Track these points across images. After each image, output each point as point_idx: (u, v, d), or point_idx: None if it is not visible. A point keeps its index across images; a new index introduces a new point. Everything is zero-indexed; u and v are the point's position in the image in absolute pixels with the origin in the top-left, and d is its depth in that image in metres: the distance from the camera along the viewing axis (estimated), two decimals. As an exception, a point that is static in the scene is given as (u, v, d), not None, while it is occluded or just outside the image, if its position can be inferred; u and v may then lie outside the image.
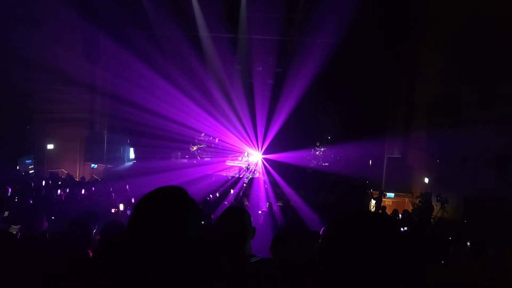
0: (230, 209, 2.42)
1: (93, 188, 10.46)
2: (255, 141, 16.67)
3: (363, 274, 1.11)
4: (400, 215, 10.19)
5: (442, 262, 4.65)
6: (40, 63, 12.14)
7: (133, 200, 8.66)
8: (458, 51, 10.34)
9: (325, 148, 16.25)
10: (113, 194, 9.68)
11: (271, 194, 12.93)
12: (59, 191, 9.11)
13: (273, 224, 7.60)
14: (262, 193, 12.75)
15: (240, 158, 16.51)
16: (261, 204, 10.94)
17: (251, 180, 14.74)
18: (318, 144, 16.27)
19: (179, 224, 1.23)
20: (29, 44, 11.80)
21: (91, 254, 2.97)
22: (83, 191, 9.61)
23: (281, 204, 11.08)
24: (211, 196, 10.94)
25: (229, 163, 16.43)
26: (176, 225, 1.23)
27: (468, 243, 5.12)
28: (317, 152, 16.29)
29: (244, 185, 14.11)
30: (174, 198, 1.30)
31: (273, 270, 2.21)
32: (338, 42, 13.14)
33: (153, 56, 14.49)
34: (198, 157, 16.93)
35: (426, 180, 12.31)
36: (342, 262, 1.13)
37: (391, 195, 13.49)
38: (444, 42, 11.39)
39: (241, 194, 11.85)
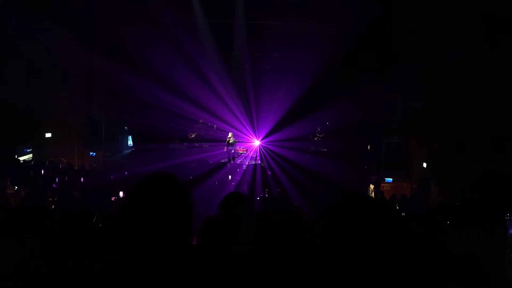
0: (229, 195, 2.42)
1: (92, 176, 10.47)
2: (253, 128, 16.65)
3: (363, 260, 1.11)
4: (398, 200, 10.25)
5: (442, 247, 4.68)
6: (37, 51, 11.99)
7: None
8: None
9: (324, 134, 16.21)
10: (112, 180, 9.71)
11: (269, 181, 12.97)
12: (57, 179, 9.12)
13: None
14: (260, 180, 12.78)
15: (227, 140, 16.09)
16: (260, 190, 11.00)
17: (250, 167, 14.76)
18: (319, 130, 16.20)
19: (169, 211, 1.24)
20: (24, 31, 11.63)
21: None
22: (82, 179, 9.62)
23: (279, 190, 11.13)
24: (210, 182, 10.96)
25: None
26: (166, 211, 1.23)
27: (466, 227, 5.16)
28: (316, 138, 16.26)
29: (238, 170, 14.13)
30: (164, 184, 1.30)
31: (271, 257, 2.22)
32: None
33: (151, 42, 14.33)
34: (196, 144, 16.89)
35: (425, 164, 12.34)
36: (342, 248, 1.14)
37: (390, 179, 13.53)
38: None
39: (239, 180, 11.89)
